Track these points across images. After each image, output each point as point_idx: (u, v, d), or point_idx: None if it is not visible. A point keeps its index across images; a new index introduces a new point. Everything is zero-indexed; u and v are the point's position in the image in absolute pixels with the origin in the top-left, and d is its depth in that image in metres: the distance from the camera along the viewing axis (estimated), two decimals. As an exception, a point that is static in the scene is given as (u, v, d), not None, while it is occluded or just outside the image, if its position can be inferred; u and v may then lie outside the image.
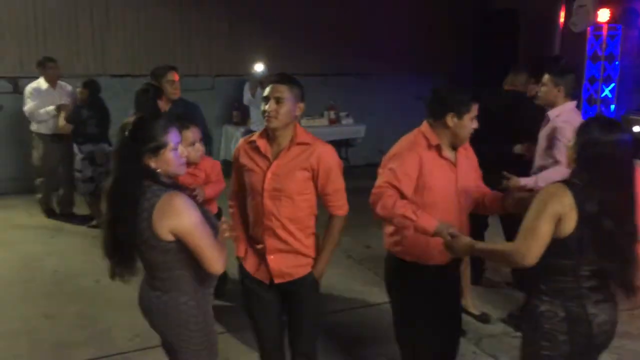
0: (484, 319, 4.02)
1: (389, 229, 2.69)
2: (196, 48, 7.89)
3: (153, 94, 4.36)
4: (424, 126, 2.63)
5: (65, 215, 6.26)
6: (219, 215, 3.47)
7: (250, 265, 2.68)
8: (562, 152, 3.25)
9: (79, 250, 5.33)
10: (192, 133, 3.27)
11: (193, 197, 2.97)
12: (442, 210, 2.55)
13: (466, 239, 2.35)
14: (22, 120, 7.07)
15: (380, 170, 2.63)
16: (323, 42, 8.36)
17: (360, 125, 8.14)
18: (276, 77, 2.56)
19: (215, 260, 2.10)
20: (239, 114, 7.89)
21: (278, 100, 2.46)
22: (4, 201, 6.78)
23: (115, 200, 2.08)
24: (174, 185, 2.17)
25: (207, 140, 4.24)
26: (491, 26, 8.99)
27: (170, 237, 2.05)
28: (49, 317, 4.06)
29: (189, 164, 2.78)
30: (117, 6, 7.42)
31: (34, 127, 6.11)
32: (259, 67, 7.10)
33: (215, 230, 2.19)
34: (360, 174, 5.44)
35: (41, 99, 5.94)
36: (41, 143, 6.10)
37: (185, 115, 3.23)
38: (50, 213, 6.29)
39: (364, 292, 4.54)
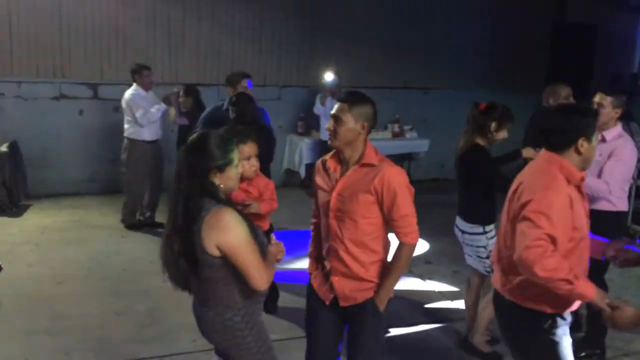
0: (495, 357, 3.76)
1: (516, 276, 2.33)
2: (264, 59, 8.04)
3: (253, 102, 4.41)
4: (556, 158, 2.30)
5: (147, 221, 6.25)
6: (269, 231, 3.45)
7: (316, 283, 2.69)
8: (615, 173, 3.42)
9: (146, 251, 5.51)
10: (249, 147, 3.24)
11: (245, 208, 3.04)
12: (580, 253, 2.31)
13: (631, 310, 2.07)
14: (100, 124, 7.47)
15: (505, 217, 2.38)
16: (389, 55, 8.37)
17: (424, 139, 8.06)
18: (343, 95, 2.55)
19: (260, 279, 2.10)
20: (304, 125, 7.99)
21: (337, 120, 2.43)
22: (80, 201, 7.13)
23: (178, 215, 2.11)
24: (227, 200, 2.19)
25: (269, 155, 4.31)
26: (566, 40, 8.74)
27: (217, 252, 2.07)
28: (118, 314, 4.22)
29: (242, 179, 2.82)
30: (192, 17, 7.69)
31: (132, 133, 6.03)
32: (328, 77, 7.19)
33: (264, 247, 2.20)
34: (422, 189, 5.37)
35: (145, 105, 5.97)
36: (139, 150, 6.02)
37: (246, 130, 3.25)
38: (131, 227, 6.17)
39: (427, 311, 4.48)
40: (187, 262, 2.12)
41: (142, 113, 5.89)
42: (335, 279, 2.54)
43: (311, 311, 2.71)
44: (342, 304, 2.56)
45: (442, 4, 8.60)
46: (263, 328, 2.33)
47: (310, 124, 7.89)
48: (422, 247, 5.23)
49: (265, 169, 3.76)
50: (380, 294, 2.53)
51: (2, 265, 4.89)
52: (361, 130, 2.45)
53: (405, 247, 2.50)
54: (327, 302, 2.60)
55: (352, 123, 2.42)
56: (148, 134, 6.02)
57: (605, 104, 3.51)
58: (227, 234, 2.04)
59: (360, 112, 2.44)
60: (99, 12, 7.30)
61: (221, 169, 2.12)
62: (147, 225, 6.20)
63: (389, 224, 2.49)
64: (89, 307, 4.31)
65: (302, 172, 7.76)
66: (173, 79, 7.66)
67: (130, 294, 4.55)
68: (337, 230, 2.50)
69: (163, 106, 6.05)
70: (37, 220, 6.38)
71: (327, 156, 2.62)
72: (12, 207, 6.60)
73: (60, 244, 5.66)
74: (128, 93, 6.02)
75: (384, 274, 2.53)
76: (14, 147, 6.78)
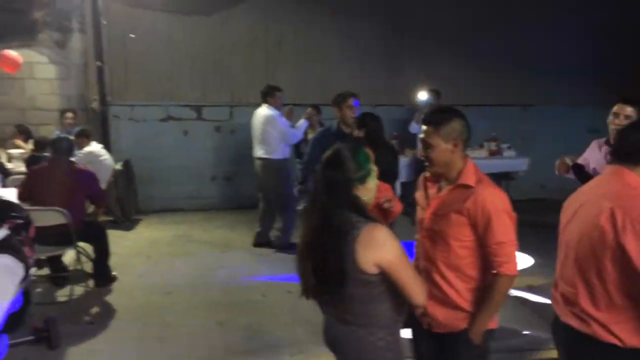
0: None
1: (620, 313, 2.07)
2: (355, 78, 8.16)
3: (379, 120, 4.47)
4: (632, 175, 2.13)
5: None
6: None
7: None
8: None
9: (246, 265, 5.75)
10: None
11: (384, 204, 2.96)
12: None
13: None
14: (202, 144, 7.89)
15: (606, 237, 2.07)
16: (484, 71, 8.22)
17: (523, 157, 7.78)
18: (426, 116, 2.41)
19: (421, 292, 2.06)
20: (398, 143, 7.98)
21: (426, 144, 2.31)
22: (183, 217, 7.56)
23: (321, 233, 2.04)
24: (370, 215, 2.09)
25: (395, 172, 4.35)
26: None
27: (375, 270, 1.99)
28: (221, 324, 4.41)
29: None
30: (288, 39, 7.98)
31: (269, 153, 6.07)
32: (422, 96, 7.16)
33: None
34: (521, 209, 5.18)
35: (285, 123, 6.11)
36: (279, 168, 6.11)
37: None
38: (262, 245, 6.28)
39: (528, 337, 4.30)
40: (333, 280, 2.02)
41: (288, 131, 6.05)
42: (429, 303, 2.34)
43: (412, 336, 2.60)
44: (434, 329, 2.44)
45: (541, 18, 8.35)
46: (404, 351, 2.24)
47: (404, 142, 7.87)
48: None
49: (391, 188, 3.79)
50: (473, 327, 2.34)
51: (117, 275, 5.30)
52: (454, 149, 2.30)
53: (500, 279, 2.27)
54: (425, 326, 2.48)
55: (442, 145, 2.29)
56: (282, 153, 6.13)
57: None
58: (386, 251, 1.98)
59: (448, 131, 2.28)
60: (203, 40, 7.77)
61: (362, 180, 2.07)
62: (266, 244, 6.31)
63: (483, 250, 2.29)
64: (195, 317, 4.54)
65: (398, 190, 7.73)
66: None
67: (232, 307, 4.74)
68: (429, 251, 2.39)
69: (306, 123, 6.23)
70: (147, 234, 6.84)
71: (428, 172, 2.52)
72: (125, 221, 7.12)
73: (167, 257, 6.03)
74: (266, 113, 6.07)
75: (480, 305, 2.33)
76: (127, 165, 7.33)
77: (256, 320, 4.47)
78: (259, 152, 6.19)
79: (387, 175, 3.26)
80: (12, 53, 6.96)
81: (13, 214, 3.45)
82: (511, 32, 8.30)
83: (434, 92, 7.21)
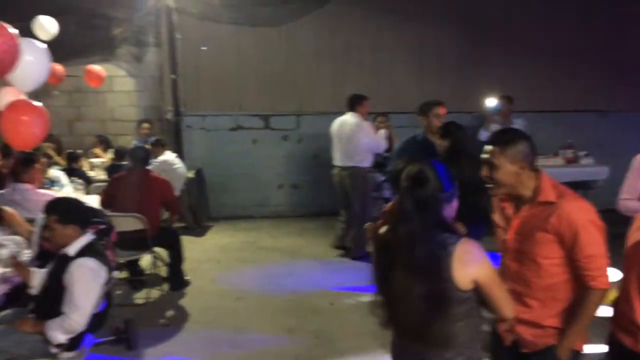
0: None
1: None
2: (425, 85, 8.07)
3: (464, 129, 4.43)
4: None
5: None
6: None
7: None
8: None
9: (315, 273, 5.79)
10: None
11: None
12: None
13: None
14: (270, 152, 8.03)
15: None
16: (559, 76, 7.91)
17: (602, 166, 7.41)
18: (491, 136, 2.33)
19: (510, 304, 2.04)
20: (466, 151, 7.82)
21: (491, 165, 2.23)
22: (252, 224, 7.71)
23: (415, 254, 1.95)
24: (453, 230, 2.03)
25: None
26: None
27: (469, 286, 1.94)
28: (290, 331, 4.46)
29: None
30: (356, 47, 8.01)
31: (359, 161, 6.05)
32: (491, 102, 6.97)
33: None
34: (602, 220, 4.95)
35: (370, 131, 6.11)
36: (365, 176, 6.13)
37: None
38: (342, 248, 6.40)
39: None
40: (433, 303, 1.94)
41: (377, 139, 6.06)
42: (517, 324, 2.29)
43: (493, 355, 2.50)
44: (522, 350, 2.34)
45: (626, 19, 7.95)
46: None
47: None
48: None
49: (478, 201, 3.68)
50: (562, 343, 2.25)
51: (190, 280, 5.47)
52: (520, 171, 2.21)
53: (592, 293, 2.18)
54: (507, 343, 2.39)
55: (508, 166, 2.20)
56: (369, 161, 6.13)
57: None
58: (482, 265, 1.94)
59: (514, 152, 2.20)
60: (271, 51, 7.94)
61: (450, 199, 2.02)
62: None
63: (573, 265, 2.20)
64: (265, 323, 4.61)
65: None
66: (336, 109, 8.01)
67: (301, 314, 4.78)
68: (518, 272, 2.29)
69: (386, 132, 6.21)
70: (217, 240, 7.03)
71: (494, 193, 2.41)
72: (197, 227, 7.35)
73: (237, 262, 6.16)
74: (354, 121, 6.03)
75: (570, 321, 2.24)
76: (199, 173, 7.57)
77: (325, 328, 4.49)
78: (344, 161, 6.13)
79: (472, 186, 3.17)
80: (96, 68, 7.39)
81: (96, 219, 3.66)
82: (591, 34, 7.94)
83: (506, 99, 7.00)
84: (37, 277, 3.38)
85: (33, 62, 3.75)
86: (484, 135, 7.05)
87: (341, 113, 7.82)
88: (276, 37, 7.90)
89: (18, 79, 3.86)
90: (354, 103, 6.14)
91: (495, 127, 6.65)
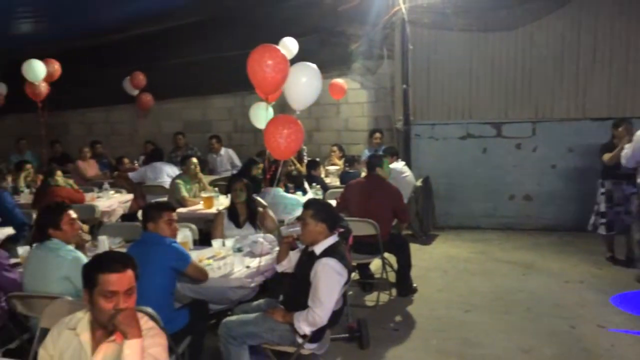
0: None
1: None
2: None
3: None
4: None
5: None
6: None
7: None
8: None
9: (551, 291, 5.37)
10: None
11: None
12: None
13: None
14: (501, 162, 7.69)
15: None
16: None
17: None
18: None
19: None
20: None
21: None
22: (480, 235, 7.48)
23: None
24: None
25: None
26: None
27: None
28: (525, 351, 4.19)
29: None
30: (604, 47, 7.23)
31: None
32: None
33: None
34: None
35: None
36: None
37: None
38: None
39: None
40: None
41: None
42: None
43: None
44: None
45: None
46: None
47: None
48: None
49: None
50: None
51: (417, 287, 5.52)
52: None
53: None
54: None
55: None
56: None
57: None
58: None
59: None
60: (506, 56, 7.60)
61: None
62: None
63: None
64: (497, 339, 4.41)
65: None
66: (579, 115, 7.35)
67: (535, 334, 4.46)
68: None
69: None
70: (444, 249, 6.97)
71: None
72: (423, 235, 7.39)
73: (465, 273, 6.03)
74: None
75: None
76: (426, 182, 7.62)
77: (563, 353, 4.12)
78: None
79: None
80: (339, 81, 8.01)
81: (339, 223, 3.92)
82: None
83: None
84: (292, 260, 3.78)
85: (306, 83, 4.23)
86: None
87: (584, 120, 7.17)
88: (511, 40, 7.55)
89: (293, 98, 4.39)
90: None
91: None
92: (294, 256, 3.79)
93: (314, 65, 4.58)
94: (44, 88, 8.11)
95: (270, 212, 5.04)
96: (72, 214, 3.68)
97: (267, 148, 4.32)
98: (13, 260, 4.04)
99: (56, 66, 8.32)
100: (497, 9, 7.48)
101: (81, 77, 9.33)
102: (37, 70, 7.96)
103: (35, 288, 3.46)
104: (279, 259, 3.86)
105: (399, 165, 7.07)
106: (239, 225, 4.86)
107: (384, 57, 8.26)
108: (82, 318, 2.26)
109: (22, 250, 4.26)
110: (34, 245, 3.76)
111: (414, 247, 6.79)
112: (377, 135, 8.27)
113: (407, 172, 7.13)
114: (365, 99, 8.98)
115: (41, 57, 8.30)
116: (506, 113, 7.70)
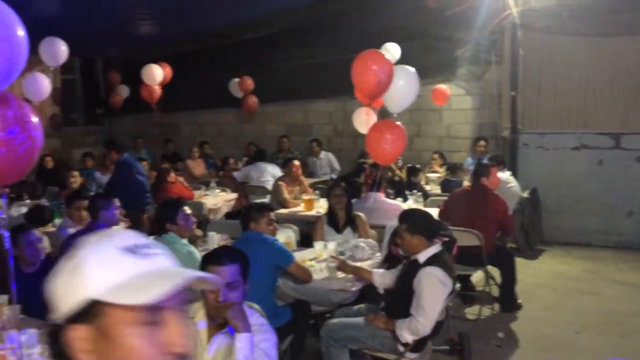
0: None
1: None
2: None
3: None
4: None
5: None
6: None
7: None
8: None
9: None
10: None
11: None
12: None
13: None
14: (619, 175, 7.18)
15: None
16: None
17: None
18: None
19: None
20: None
21: None
22: (592, 252, 7.00)
23: None
24: None
25: None
26: None
27: None
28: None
29: None
30: None
31: None
32: None
33: None
34: None
35: None
36: None
37: None
38: None
39: None
40: None
41: None
42: None
43: None
44: None
45: None
46: None
47: None
48: None
49: None
50: None
51: (522, 303, 5.27)
52: None
53: None
54: None
55: None
56: None
57: None
58: None
59: None
60: (628, 63, 7.08)
61: None
62: None
63: None
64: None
65: None
66: None
67: (656, 364, 4.11)
68: None
69: None
70: (551, 265, 6.60)
71: None
72: (528, 249, 7.04)
73: (575, 292, 5.67)
74: None
75: None
76: (534, 193, 7.25)
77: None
78: None
79: None
80: (442, 87, 7.87)
81: (441, 232, 3.83)
82: None
83: None
84: (382, 277, 3.74)
85: (404, 86, 4.20)
86: None
87: None
88: (634, 46, 7.02)
89: (390, 101, 4.38)
90: None
91: None
92: (388, 275, 3.75)
93: (412, 69, 4.52)
94: (157, 91, 8.66)
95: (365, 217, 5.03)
96: (187, 209, 3.89)
97: (369, 153, 4.32)
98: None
99: (168, 69, 8.86)
100: (619, 12, 6.98)
101: (191, 80, 9.87)
102: (155, 74, 8.51)
103: (152, 278, 3.67)
104: (361, 277, 3.84)
105: (504, 175, 6.78)
106: (338, 230, 4.88)
107: (492, 62, 7.98)
108: (200, 308, 2.36)
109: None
110: (152, 237, 4.01)
111: (519, 262, 6.46)
112: (482, 143, 8.00)
113: (513, 183, 6.83)
114: (470, 106, 8.72)
115: (154, 61, 8.89)
116: (626, 123, 7.16)
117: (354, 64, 4.57)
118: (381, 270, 3.90)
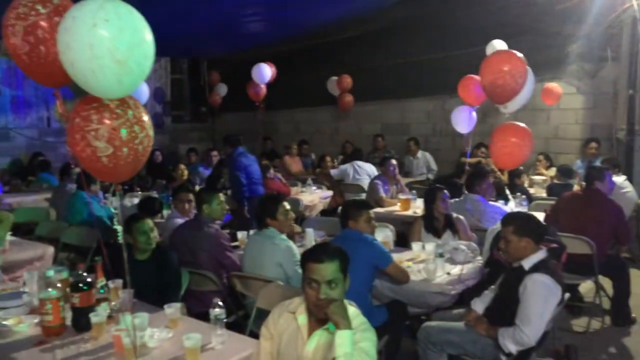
0: None
1: None
2: None
3: None
4: None
5: None
6: None
7: None
8: None
9: None
10: None
11: None
12: None
13: None
14: None
15: None
16: None
17: None
18: None
19: None
20: None
21: None
22: None
23: None
24: None
25: None
26: None
27: None
28: None
29: None
30: None
31: None
32: None
33: None
34: None
35: None
36: None
37: None
38: None
39: None
40: None
41: None
42: None
43: None
44: None
45: None
46: None
47: None
48: None
49: None
50: None
51: (636, 318, 4.87)
52: None
53: None
54: None
55: None
56: None
57: None
58: None
59: None
60: None
61: None
62: None
63: None
64: None
65: None
66: None
67: None
68: None
69: None
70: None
71: None
72: (644, 260, 6.50)
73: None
74: None
75: None
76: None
77: None
78: None
79: None
80: (553, 85, 7.45)
81: (548, 237, 3.61)
82: None
83: None
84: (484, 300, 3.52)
85: None
86: None
87: None
88: None
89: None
90: None
91: None
92: (489, 296, 3.52)
93: (528, 68, 4.32)
94: (264, 89, 8.94)
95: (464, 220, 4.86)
96: (287, 205, 3.96)
97: (491, 156, 4.18)
98: (234, 243, 4.50)
99: (273, 68, 9.11)
100: None
101: (290, 79, 10.08)
102: (265, 73, 8.80)
103: (252, 270, 3.78)
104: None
105: (619, 179, 6.30)
106: (438, 235, 4.75)
107: (608, 59, 7.44)
108: (301, 304, 2.39)
109: (240, 235, 4.72)
110: (252, 232, 4.12)
111: (633, 273, 5.99)
112: (593, 145, 7.48)
113: (629, 188, 6.33)
114: (581, 105, 8.19)
115: (256, 61, 9.18)
116: None
117: (481, 66, 4.45)
118: (480, 301, 3.62)
